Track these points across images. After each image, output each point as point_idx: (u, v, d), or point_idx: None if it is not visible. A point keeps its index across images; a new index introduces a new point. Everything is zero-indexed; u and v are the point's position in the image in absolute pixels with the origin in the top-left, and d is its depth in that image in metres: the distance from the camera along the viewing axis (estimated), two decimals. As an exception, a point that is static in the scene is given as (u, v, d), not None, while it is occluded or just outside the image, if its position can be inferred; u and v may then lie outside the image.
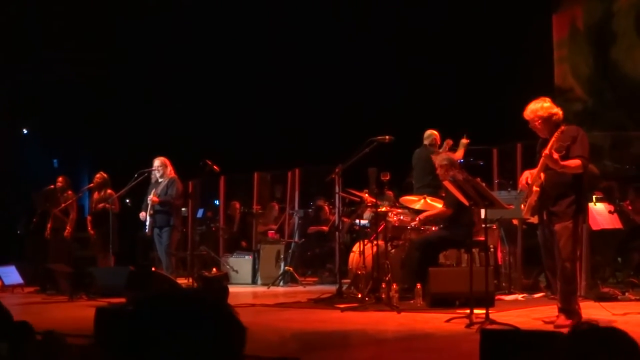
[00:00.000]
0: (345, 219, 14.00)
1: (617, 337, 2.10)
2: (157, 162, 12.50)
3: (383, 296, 9.62)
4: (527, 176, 7.76)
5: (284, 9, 18.21)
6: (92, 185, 13.86)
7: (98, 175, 13.60)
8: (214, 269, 14.04)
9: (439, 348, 6.95)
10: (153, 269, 12.13)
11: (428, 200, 10.73)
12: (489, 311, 7.76)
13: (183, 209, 14.51)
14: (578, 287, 8.06)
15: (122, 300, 10.01)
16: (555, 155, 7.33)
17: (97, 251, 13.52)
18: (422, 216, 10.56)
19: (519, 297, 10.54)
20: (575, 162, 7.50)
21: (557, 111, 7.78)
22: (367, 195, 10.87)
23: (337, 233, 13.04)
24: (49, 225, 13.87)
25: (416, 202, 10.85)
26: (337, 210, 12.42)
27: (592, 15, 16.85)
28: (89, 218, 13.75)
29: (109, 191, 13.36)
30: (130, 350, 1.98)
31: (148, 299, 2.11)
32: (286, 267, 14.00)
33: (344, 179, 11.34)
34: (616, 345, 2.08)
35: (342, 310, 9.38)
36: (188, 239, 15.25)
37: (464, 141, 12.20)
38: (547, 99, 7.94)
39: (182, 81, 19.03)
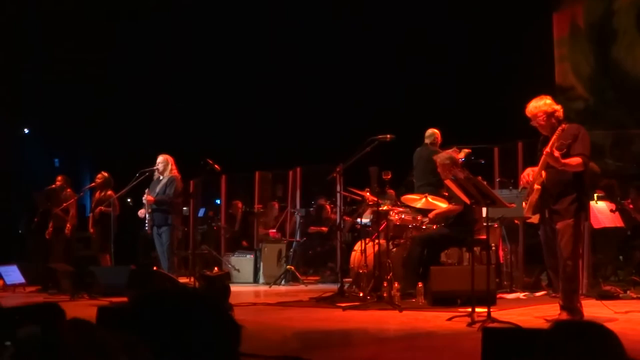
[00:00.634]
0: (347, 218, 14.00)
1: (596, 331, 2.11)
2: (159, 159, 12.45)
3: (384, 295, 9.62)
4: (528, 173, 7.76)
5: (284, 8, 18.21)
6: (93, 184, 13.85)
7: (99, 175, 13.60)
8: (216, 268, 14.04)
9: (441, 347, 6.95)
10: (154, 268, 12.13)
11: (429, 199, 10.72)
12: (491, 310, 7.76)
13: (185, 208, 14.50)
14: (580, 285, 8.06)
15: (124, 299, 10.02)
16: (556, 153, 7.33)
17: (98, 251, 13.53)
18: (431, 214, 10.55)
19: (521, 295, 10.53)
20: (576, 160, 7.50)
21: (559, 108, 7.80)
22: (368, 194, 10.87)
23: (338, 232, 13.04)
24: (50, 225, 13.87)
25: (417, 200, 10.85)
26: (338, 209, 12.42)
27: (592, 14, 16.84)
28: (90, 217, 13.74)
29: (109, 192, 13.34)
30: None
31: (143, 297, 2.11)
32: (288, 266, 14.01)
33: (345, 177, 11.34)
34: (596, 338, 2.09)
35: (344, 309, 9.38)
36: (190, 238, 15.26)
37: (467, 150, 12.20)
38: (548, 97, 7.94)
39: (182, 80, 19.02)
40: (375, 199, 10.45)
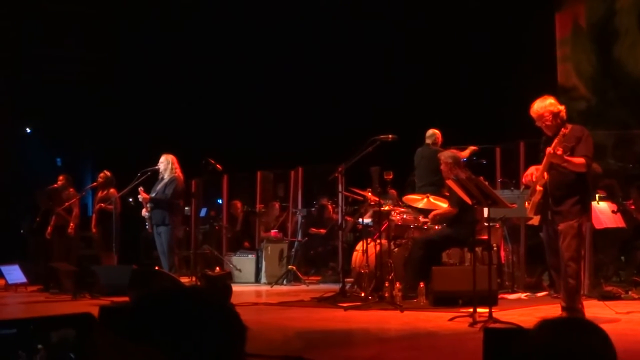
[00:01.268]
0: (349, 218, 14.00)
1: (585, 328, 2.11)
2: (161, 159, 12.43)
3: (386, 295, 9.63)
4: (532, 172, 7.76)
5: (286, 8, 18.21)
6: (95, 184, 13.86)
7: (102, 175, 13.60)
8: (217, 268, 14.05)
9: (442, 347, 6.95)
10: (156, 268, 12.14)
11: (431, 199, 10.72)
12: (492, 310, 7.76)
13: (186, 207, 14.50)
14: (581, 286, 8.06)
15: (126, 299, 10.02)
16: (559, 151, 7.32)
17: (100, 250, 13.53)
18: (431, 215, 10.55)
19: (522, 295, 10.54)
20: (578, 160, 7.50)
21: (563, 108, 7.81)
22: (370, 194, 10.88)
23: (340, 232, 13.04)
24: (50, 225, 13.88)
25: (419, 201, 10.85)
26: (340, 209, 12.42)
27: (594, 13, 16.83)
28: (93, 217, 13.75)
29: (111, 190, 13.35)
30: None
31: (147, 297, 2.11)
32: (289, 266, 14.02)
33: (347, 177, 11.34)
34: (585, 335, 2.09)
35: (345, 309, 9.38)
36: (191, 238, 15.26)
37: (473, 147, 12.20)
38: (552, 97, 7.94)
39: (185, 80, 19.03)
40: (377, 199, 10.45)
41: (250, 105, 19.08)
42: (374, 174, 11.07)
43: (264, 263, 14.35)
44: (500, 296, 9.80)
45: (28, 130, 20.64)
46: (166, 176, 12.34)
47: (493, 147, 12.87)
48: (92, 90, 19.56)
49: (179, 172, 12.43)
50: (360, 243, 11.16)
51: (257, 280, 14.37)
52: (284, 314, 9.43)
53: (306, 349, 6.84)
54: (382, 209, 10.47)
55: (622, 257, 12.06)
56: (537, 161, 7.93)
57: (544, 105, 7.74)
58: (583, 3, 17.04)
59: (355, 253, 11.37)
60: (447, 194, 10.39)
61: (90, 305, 9.82)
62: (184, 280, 12.23)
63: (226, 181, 16.33)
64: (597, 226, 10.54)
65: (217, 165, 12.48)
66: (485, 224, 8.54)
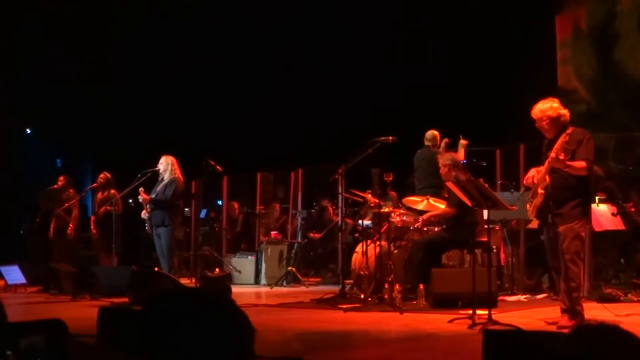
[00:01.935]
0: (349, 220, 14.00)
1: (621, 336, 2.10)
2: (161, 160, 12.43)
3: (386, 296, 9.63)
4: (533, 174, 7.76)
5: (285, 8, 18.21)
6: (95, 185, 13.86)
7: (102, 176, 13.59)
8: (217, 269, 14.04)
9: (442, 348, 6.95)
10: (156, 269, 12.14)
11: (431, 200, 10.73)
12: (492, 312, 7.76)
13: (186, 209, 14.49)
14: (581, 288, 8.06)
15: (125, 300, 10.03)
16: (561, 156, 7.32)
17: (100, 251, 13.52)
18: (425, 216, 10.56)
19: (522, 297, 10.54)
20: (580, 164, 7.50)
21: (565, 112, 7.78)
22: (370, 195, 10.88)
23: (340, 233, 13.05)
24: (52, 226, 13.88)
25: (419, 202, 10.85)
26: (340, 210, 12.43)
27: (595, 16, 16.83)
28: (92, 218, 13.74)
29: (112, 191, 13.34)
30: (141, 350, 1.99)
31: (158, 298, 2.11)
32: (289, 268, 14.02)
33: (347, 179, 11.34)
34: (621, 343, 2.08)
35: (345, 310, 9.39)
36: (191, 239, 15.26)
37: (463, 142, 12.20)
38: (556, 100, 7.93)
39: (185, 81, 19.03)
40: (377, 201, 10.46)
41: (250, 106, 19.08)
42: (374, 175, 11.08)
43: (263, 264, 14.35)
44: (499, 298, 9.80)
45: (28, 130, 20.64)
46: (166, 177, 12.34)
47: (493, 149, 12.87)
48: (92, 90, 19.55)
49: (178, 173, 12.43)
50: (360, 245, 11.16)
51: (257, 281, 14.36)
52: (284, 316, 9.44)
53: (306, 350, 6.84)
54: (382, 210, 10.47)
55: (622, 260, 12.06)
56: (537, 163, 7.92)
57: (543, 109, 7.74)
58: (583, 6, 17.04)
59: (355, 255, 11.37)
60: (447, 195, 10.40)
61: (90, 306, 9.82)
62: (184, 281, 12.24)
63: (226, 182, 16.32)
64: (597, 228, 10.54)
65: (217, 167, 12.50)
66: (485, 226, 8.53)
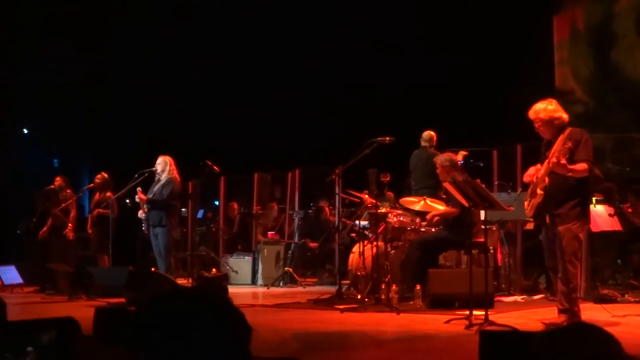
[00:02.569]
0: (346, 221, 13.99)
1: (592, 332, 2.10)
2: (158, 160, 12.41)
3: (382, 297, 9.62)
4: (533, 172, 7.75)
5: (284, 10, 18.20)
6: (92, 185, 13.84)
7: (99, 176, 13.57)
8: (214, 270, 14.03)
9: (439, 349, 6.95)
10: (152, 269, 12.13)
11: (428, 201, 10.72)
12: (489, 312, 7.76)
13: (183, 209, 14.48)
14: (578, 289, 8.06)
15: (121, 300, 10.02)
16: (563, 161, 7.31)
17: (96, 251, 13.51)
18: (429, 216, 10.54)
19: (519, 298, 10.54)
20: (582, 166, 7.49)
21: (561, 114, 7.75)
22: (367, 196, 10.87)
23: (337, 234, 13.04)
24: (46, 226, 13.85)
25: (416, 203, 10.85)
26: (337, 211, 12.42)
27: (592, 17, 16.84)
28: (88, 218, 13.72)
29: (108, 194, 13.31)
30: (137, 350, 1.98)
31: (153, 298, 2.10)
32: (286, 268, 14.01)
33: (344, 180, 11.33)
34: (592, 340, 2.08)
35: (342, 311, 9.38)
36: (188, 239, 15.24)
37: (464, 152, 12.20)
38: (553, 101, 7.91)
39: (182, 81, 19.02)
40: (374, 201, 10.45)
41: (247, 107, 19.07)
42: (371, 176, 11.04)
43: (260, 265, 14.34)
44: (496, 299, 9.80)
45: (25, 130, 20.61)
46: (163, 177, 12.33)
47: (490, 150, 12.87)
48: (89, 91, 19.52)
49: (175, 174, 12.41)
50: (357, 245, 11.16)
51: (254, 282, 14.35)
52: (281, 316, 9.43)
53: (302, 351, 6.84)
54: (379, 211, 10.47)
55: (619, 260, 12.07)
56: (534, 164, 7.92)
57: (537, 111, 7.73)
58: (581, 6, 17.05)
59: (352, 255, 11.37)
60: (444, 196, 10.39)
61: (86, 307, 9.81)
62: (181, 281, 12.21)
63: (223, 183, 16.31)
64: (594, 229, 10.54)
65: (215, 167, 12.47)
66: (482, 226, 8.53)
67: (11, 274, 13.53)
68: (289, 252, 14.56)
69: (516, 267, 11.59)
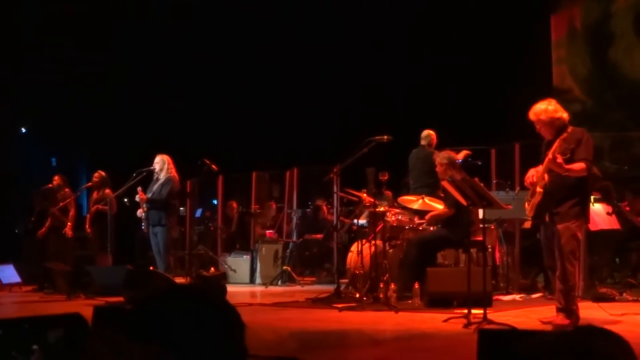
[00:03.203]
0: (345, 220, 14.00)
1: (604, 337, 2.09)
2: (156, 159, 12.40)
3: (381, 296, 9.63)
4: (532, 174, 7.76)
5: (282, 9, 18.20)
6: (90, 184, 13.83)
7: (96, 175, 13.57)
8: (212, 269, 14.05)
9: (437, 348, 6.95)
10: (151, 268, 12.12)
11: (426, 200, 10.72)
12: (487, 311, 7.77)
13: (181, 208, 14.48)
14: (576, 288, 8.07)
15: (120, 299, 10.01)
16: (559, 159, 7.32)
17: (95, 250, 13.51)
18: (427, 216, 10.54)
19: (517, 297, 10.54)
20: (579, 166, 7.49)
21: (562, 114, 7.75)
22: (365, 195, 10.87)
23: (335, 233, 13.04)
24: (45, 225, 13.85)
25: (414, 202, 10.85)
26: (335, 210, 12.42)
27: (590, 16, 16.85)
28: (87, 217, 13.72)
29: (106, 191, 13.31)
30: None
31: (149, 297, 2.11)
32: (284, 267, 14.01)
33: (342, 178, 11.33)
34: (612, 345, 2.07)
35: (340, 309, 9.38)
36: (186, 238, 15.24)
37: (466, 152, 12.20)
38: (553, 101, 7.90)
39: (180, 80, 19.01)
40: (372, 200, 10.45)
41: (245, 105, 19.07)
42: (369, 174, 11.06)
43: (258, 264, 14.34)
44: (494, 297, 9.81)
45: (23, 129, 20.59)
46: (162, 176, 12.32)
47: (488, 149, 12.88)
48: (87, 90, 19.51)
49: (174, 172, 12.41)
50: (355, 244, 11.17)
51: (252, 280, 14.36)
52: (279, 315, 9.43)
53: (300, 349, 6.84)
54: (377, 210, 10.47)
55: (617, 259, 12.08)
56: (532, 163, 7.93)
57: (537, 112, 7.73)
58: (578, 5, 17.06)
59: (350, 254, 11.37)
60: (442, 195, 10.40)
61: (84, 306, 9.81)
62: (179, 280, 12.21)
63: (221, 182, 16.31)
64: (592, 228, 10.54)
65: (213, 166, 12.47)
66: (480, 225, 8.54)
67: (9, 273, 13.52)
68: (287, 251, 14.55)
69: (514, 266, 11.60)
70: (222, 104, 19.07)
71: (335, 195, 11.91)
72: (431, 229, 10.60)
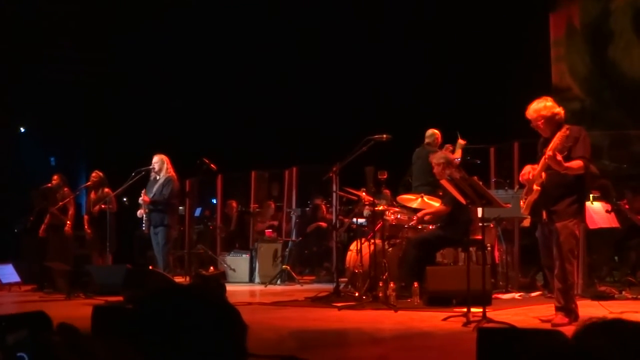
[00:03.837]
0: (344, 218, 13.99)
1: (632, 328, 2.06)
2: (155, 159, 12.42)
3: (380, 295, 9.63)
4: (528, 171, 7.76)
5: (282, 9, 18.19)
6: (89, 184, 13.83)
7: (94, 174, 13.55)
8: (211, 268, 14.04)
9: (436, 346, 6.95)
10: (150, 267, 12.12)
11: (425, 199, 10.73)
12: (486, 310, 7.76)
13: (180, 207, 14.49)
14: (575, 286, 8.07)
15: (120, 298, 10.01)
16: (559, 157, 7.32)
17: (94, 250, 13.50)
18: (419, 214, 10.56)
19: (516, 295, 10.54)
20: (577, 164, 7.50)
21: (559, 111, 7.78)
22: (364, 193, 10.87)
23: (334, 232, 13.04)
24: (43, 224, 13.85)
25: (413, 201, 10.85)
26: (334, 208, 12.42)
27: (589, 14, 16.84)
28: (85, 217, 13.71)
29: (106, 190, 13.31)
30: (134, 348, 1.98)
31: (149, 296, 2.10)
32: (283, 266, 14.01)
33: (341, 177, 11.33)
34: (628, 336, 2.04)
35: (340, 308, 9.38)
36: (185, 238, 15.24)
37: (461, 142, 12.22)
38: (549, 99, 7.93)
39: (179, 79, 19.00)
40: (371, 199, 10.45)
41: (244, 104, 19.06)
42: (368, 173, 11.06)
43: (258, 263, 14.34)
44: (494, 296, 9.82)
45: (22, 129, 20.58)
46: (161, 176, 12.34)
47: (487, 147, 12.88)
48: (86, 90, 19.50)
49: (173, 172, 12.44)
50: (355, 243, 11.17)
51: (251, 279, 14.36)
52: (278, 314, 9.43)
53: (300, 348, 6.84)
54: (377, 208, 10.47)
55: (616, 257, 12.08)
56: (531, 161, 7.93)
57: (538, 109, 7.74)
58: (577, 3, 17.05)
59: (349, 253, 11.37)
60: (442, 194, 10.39)
61: (84, 305, 9.81)
62: (178, 279, 12.22)
63: (220, 181, 16.31)
64: (591, 226, 10.56)
65: (212, 165, 12.48)
66: (480, 224, 8.54)
67: (9, 273, 13.52)
68: (287, 250, 14.55)
69: (513, 265, 11.60)
70: (222, 103, 19.06)
71: (334, 194, 11.91)
72: (430, 227, 10.60)
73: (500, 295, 10.39)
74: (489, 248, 10.47)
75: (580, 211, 7.76)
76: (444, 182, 8.88)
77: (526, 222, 7.94)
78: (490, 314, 7.87)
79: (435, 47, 17.29)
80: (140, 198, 12.30)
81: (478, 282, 8.06)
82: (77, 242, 14.52)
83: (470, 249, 9.81)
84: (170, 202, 12.38)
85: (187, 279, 12.39)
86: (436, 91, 17.04)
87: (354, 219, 12.56)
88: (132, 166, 12.70)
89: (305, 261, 15.61)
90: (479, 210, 8.37)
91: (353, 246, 11.22)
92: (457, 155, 11.86)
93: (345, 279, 11.31)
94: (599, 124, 15.62)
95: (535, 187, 7.59)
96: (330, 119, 17.71)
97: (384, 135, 10.44)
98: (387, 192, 12.51)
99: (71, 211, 13.94)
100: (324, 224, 15.20)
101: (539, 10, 16.92)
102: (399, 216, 10.95)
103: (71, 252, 14.02)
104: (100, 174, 13.53)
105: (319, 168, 12.55)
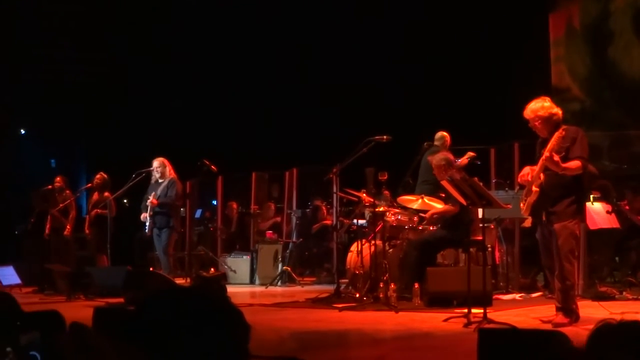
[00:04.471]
0: (344, 220, 13.99)
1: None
2: (156, 163, 12.43)
3: (381, 296, 9.63)
4: (527, 172, 7.77)
5: (282, 9, 18.20)
6: (91, 185, 13.82)
7: (98, 176, 13.54)
8: (212, 269, 14.03)
9: (437, 347, 6.96)
10: (150, 269, 12.12)
11: (425, 199, 10.72)
12: (487, 310, 7.77)
13: (181, 209, 14.51)
14: (576, 287, 8.08)
15: (120, 300, 10.02)
16: (556, 158, 7.33)
17: (94, 252, 13.51)
18: (428, 214, 10.53)
19: (517, 296, 10.54)
20: (575, 164, 7.51)
21: (557, 111, 7.79)
22: (364, 195, 10.87)
23: (334, 233, 13.04)
24: (47, 226, 13.85)
25: (414, 201, 10.85)
26: (334, 210, 12.42)
27: (588, 14, 16.85)
28: (87, 218, 13.71)
29: (106, 194, 13.29)
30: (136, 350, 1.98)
31: (151, 297, 2.11)
32: (284, 267, 14.01)
33: (342, 178, 11.33)
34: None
35: (340, 309, 9.39)
36: (186, 239, 15.24)
37: (471, 153, 12.18)
38: (547, 99, 7.94)
39: (180, 81, 19.00)
40: (372, 200, 10.45)
41: (245, 105, 19.07)
42: (368, 174, 11.07)
43: (258, 264, 14.33)
44: (494, 297, 9.82)
45: (22, 131, 20.58)
46: (164, 179, 12.36)
47: (487, 148, 12.88)
48: (86, 91, 19.50)
49: (175, 174, 12.47)
50: (355, 244, 11.17)
51: (252, 281, 14.35)
52: (279, 315, 9.43)
53: (301, 349, 6.85)
54: (377, 209, 10.47)
55: (617, 258, 12.07)
56: (531, 162, 7.94)
57: (535, 109, 7.75)
58: (577, 4, 17.06)
59: (350, 254, 11.37)
60: (443, 195, 10.38)
61: (84, 307, 9.81)
62: (179, 281, 12.22)
63: (221, 182, 16.31)
64: (592, 227, 10.56)
65: (212, 167, 12.48)
66: (480, 224, 8.54)
67: (9, 275, 13.52)
68: (287, 251, 14.55)
69: (514, 265, 11.60)
70: (222, 104, 19.06)
71: (334, 195, 11.91)
72: (431, 228, 10.60)
73: (500, 296, 10.39)
74: (489, 249, 10.47)
75: (580, 211, 7.76)
76: (444, 183, 8.89)
77: (527, 223, 7.93)
78: (491, 314, 7.88)
79: (435, 48, 17.28)
80: (149, 201, 12.29)
81: (479, 283, 8.07)
82: (78, 243, 14.52)
83: (471, 249, 9.81)
84: (175, 204, 12.42)
85: (188, 280, 12.38)
86: (437, 92, 17.04)
87: (355, 220, 12.55)
88: (133, 168, 12.69)
89: (305, 262, 15.61)
90: (480, 211, 8.38)
91: (354, 247, 11.22)
92: (463, 163, 11.81)
93: (346, 280, 11.31)
94: (598, 125, 15.62)
95: (534, 188, 7.60)
96: (330, 120, 17.71)
97: (384, 137, 10.44)
98: (386, 193, 12.51)
99: (72, 214, 13.94)
100: (329, 221, 15.15)
101: (538, 11, 16.92)
102: (399, 217, 10.95)
103: (73, 254, 14.02)
104: (105, 176, 13.52)
105: (319, 169, 12.56)
